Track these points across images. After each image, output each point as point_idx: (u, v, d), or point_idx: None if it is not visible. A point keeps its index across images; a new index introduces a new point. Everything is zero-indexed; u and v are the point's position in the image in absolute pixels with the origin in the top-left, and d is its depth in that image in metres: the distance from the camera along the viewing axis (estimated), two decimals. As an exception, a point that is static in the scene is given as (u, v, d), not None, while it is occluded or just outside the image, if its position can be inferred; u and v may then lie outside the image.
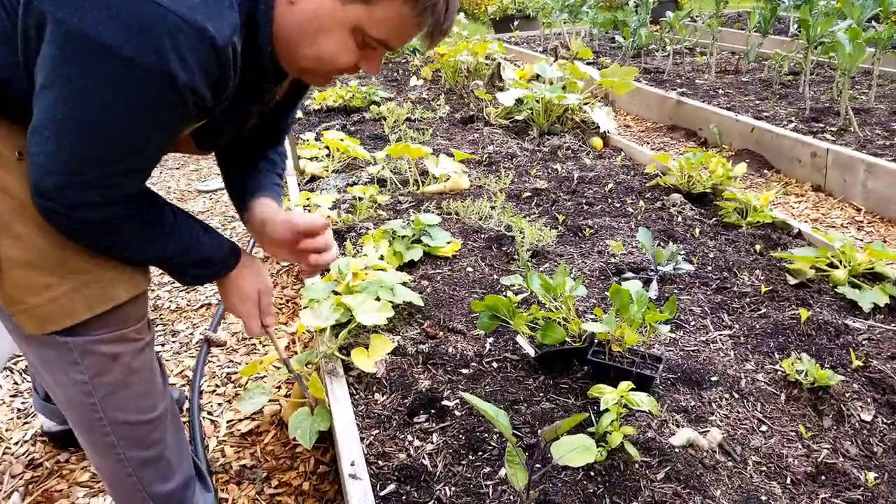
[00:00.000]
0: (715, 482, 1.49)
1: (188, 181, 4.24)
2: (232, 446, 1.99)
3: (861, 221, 3.32)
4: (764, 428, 1.70)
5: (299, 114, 4.83)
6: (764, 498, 1.46)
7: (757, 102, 4.81)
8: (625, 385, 1.53)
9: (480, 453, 1.60)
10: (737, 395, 1.80)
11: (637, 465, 1.52)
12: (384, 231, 2.61)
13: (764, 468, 1.57)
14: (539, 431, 1.64)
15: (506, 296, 2.30)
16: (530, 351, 1.87)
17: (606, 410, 1.52)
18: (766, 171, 3.99)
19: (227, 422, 2.09)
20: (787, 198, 3.65)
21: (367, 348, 1.92)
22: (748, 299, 2.25)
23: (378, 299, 2.06)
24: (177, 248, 1.21)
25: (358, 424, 1.73)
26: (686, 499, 1.43)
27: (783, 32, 7.08)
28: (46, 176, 1.01)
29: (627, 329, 1.71)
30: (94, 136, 0.98)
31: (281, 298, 2.79)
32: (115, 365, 1.24)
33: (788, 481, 1.53)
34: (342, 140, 3.59)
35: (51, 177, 1.00)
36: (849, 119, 4.04)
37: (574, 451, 1.21)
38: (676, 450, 1.57)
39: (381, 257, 2.47)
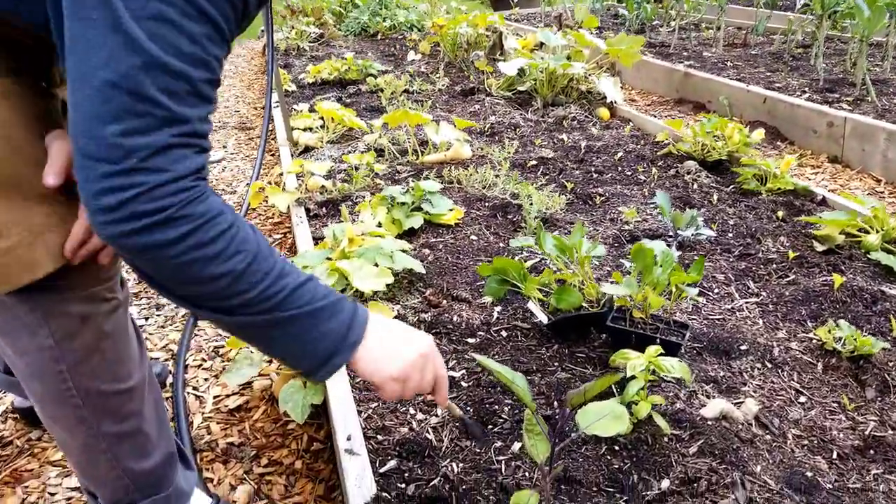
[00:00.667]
0: (754, 457, 1.34)
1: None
2: (218, 423, 1.83)
3: (882, 192, 3.16)
4: (802, 399, 1.54)
5: (293, 86, 4.65)
6: (809, 474, 1.31)
7: (768, 74, 4.64)
8: (653, 349, 1.37)
9: (491, 426, 1.45)
10: (770, 365, 1.64)
11: (666, 439, 1.37)
12: (382, 198, 2.45)
13: (806, 442, 1.41)
14: (555, 403, 1.48)
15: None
16: (543, 318, 1.71)
17: (633, 378, 1.36)
18: (779, 142, 3.83)
19: (214, 398, 1.93)
20: (802, 169, 3.48)
21: (364, 316, 1.75)
22: (774, 266, 2.09)
23: (377, 266, 1.90)
24: (284, 287, 0.91)
25: (355, 397, 1.57)
26: (723, 475, 1.28)
27: (790, 9, 6.90)
28: (95, 124, 0.77)
29: (651, 292, 1.55)
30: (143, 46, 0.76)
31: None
32: (85, 328, 1.08)
33: (834, 456, 1.38)
34: (338, 110, 3.41)
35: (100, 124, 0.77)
36: (866, 88, 3.88)
37: (603, 419, 1.06)
38: (709, 422, 1.41)
39: (379, 224, 2.30)
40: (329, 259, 1.95)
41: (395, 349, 0.99)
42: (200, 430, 1.80)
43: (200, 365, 2.08)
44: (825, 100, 3.95)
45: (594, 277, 1.98)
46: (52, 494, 1.62)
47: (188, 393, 1.95)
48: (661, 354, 1.39)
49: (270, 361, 2.02)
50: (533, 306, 1.72)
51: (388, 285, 2.03)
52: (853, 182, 3.29)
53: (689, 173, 2.82)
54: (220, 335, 2.21)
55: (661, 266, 1.58)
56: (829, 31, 5.37)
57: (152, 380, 1.28)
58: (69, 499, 1.60)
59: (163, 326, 2.29)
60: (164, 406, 1.34)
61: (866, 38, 3.78)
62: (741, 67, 4.89)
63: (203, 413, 1.87)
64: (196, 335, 2.22)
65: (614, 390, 1.50)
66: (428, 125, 3.01)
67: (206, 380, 2.01)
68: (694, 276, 1.53)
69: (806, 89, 4.19)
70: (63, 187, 0.98)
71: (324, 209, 2.66)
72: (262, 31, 5.11)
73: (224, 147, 4.06)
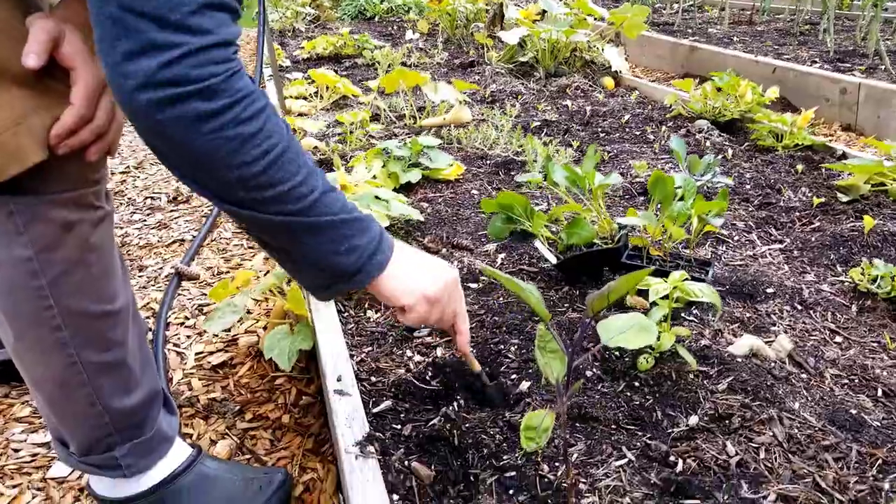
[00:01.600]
0: (790, 394, 1.20)
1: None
2: (200, 379, 1.69)
3: (900, 157, 3.02)
4: (839, 339, 1.40)
5: (287, 62, 4.52)
6: (854, 411, 1.17)
7: (776, 48, 4.51)
8: (678, 274, 1.23)
9: (496, 366, 1.31)
10: (800, 307, 1.51)
11: (692, 375, 1.23)
12: (377, 151, 2.31)
13: (846, 381, 1.27)
14: (568, 343, 1.34)
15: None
16: (551, 258, 1.57)
17: (654, 305, 1.22)
18: (790, 112, 3.69)
19: (196, 354, 1.79)
20: (814, 138, 3.34)
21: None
22: (797, 213, 1.96)
23: (371, 210, 1.76)
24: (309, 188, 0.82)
25: (347, 343, 1.43)
26: (757, 411, 1.14)
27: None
28: None
29: (671, 224, 1.42)
30: None
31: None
32: (69, 237, 0.95)
33: (879, 393, 1.24)
34: (332, 76, 3.28)
35: None
36: (879, 55, 3.74)
37: (628, 331, 0.92)
38: (738, 359, 1.27)
39: (374, 178, 2.16)
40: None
41: (427, 269, 0.98)
42: (181, 386, 1.66)
43: (183, 323, 1.94)
44: (837, 70, 3.82)
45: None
46: (17, 451, 1.48)
47: (168, 350, 1.81)
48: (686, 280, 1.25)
49: (257, 320, 1.89)
50: (540, 245, 1.57)
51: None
52: (868, 150, 3.15)
53: (700, 132, 2.68)
54: (206, 295, 2.06)
55: (682, 198, 1.44)
56: (837, 11, 5.25)
57: (136, 312, 1.15)
58: (34, 455, 1.46)
59: (144, 287, 2.15)
60: (147, 342, 1.20)
61: (880, 3, 3.64)
62: (748, 42, 4.76)
63: (184, 370, 1.73)
64: (179, 295, 2.08)
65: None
66: (426, 84, 2.87)
67: (188, 337, 1.87)
68: (721, 203, 1.39)
69: (816, 60, 4.06)
70: (46, 72, 0.87)
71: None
72: (258, 13, 5.01)
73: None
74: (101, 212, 1.01)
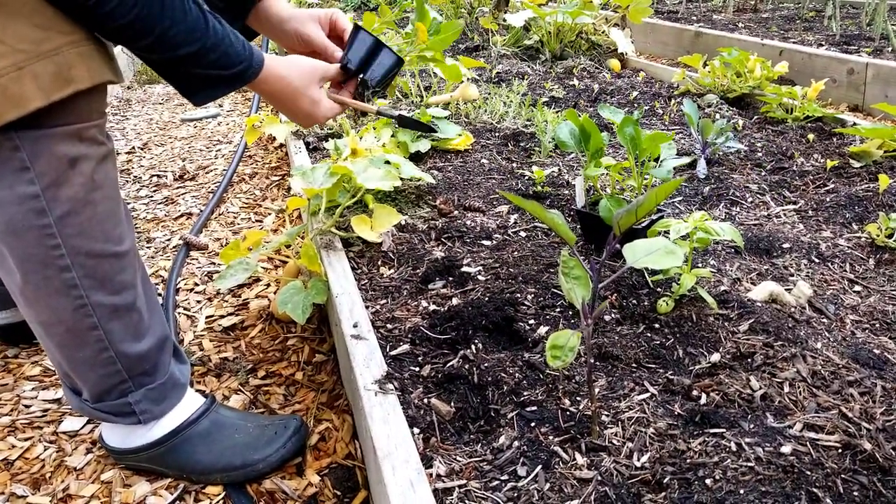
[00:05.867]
0: (812, 335, 1.18)
1: (172, 114, 3.91)
2: (211, 341, 1.68)
3: (909, 134, 3.01)
4: (858, 288, 1.39)
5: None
6: (877, 351, 1.15)
7: (781, 33, 4.50)
8: (699, 214, 1.22)
9: (513, 312, 1.29)
10: (817, 260, 1.49)
11: (712, 318, 1.21)
12: (386, 121, 2.29)
13: (867, 325, 1.26)
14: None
15: (531, 179, 2.00)
16: (581, 201, 1.54)
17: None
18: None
19: (207, 317, 1.78)
20: (824, 110, 3.33)
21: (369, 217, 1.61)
22: (810, 177, 1.94)
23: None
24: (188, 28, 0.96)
25: (361, 296, 1.42)
26: (779, 351, 1.12)
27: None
28: None
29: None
30: None
31: (270, 210, 2.47)
32: (74, 174, 0.95)
33: (902, 336, 1.22)
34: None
35: None
36: (886, 38, 3.73)
37: (654, 253, 0.90)
38: (758, 304, 1.26)
39: (384, 146, 2.15)
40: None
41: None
42: (192, 347, 1.65)
43: (192, 289, 1.93)
44: (843, 52, 3.81)
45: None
46: (27, 406, 1.46)
47: (178, 313, 1.79)
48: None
49: (269, 285, 1.88)
50: (580, 184, 1.53)
51: (393, 198, 1.88)
52: (879, 124, 3.14)
53: (710, 105, 2.67)
54: (215, 263, 2.05)
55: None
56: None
57: (140, 258, 1.14)
58: (45, 410, 1.45)
59: (152, 257, 2.14)
60: (152, 285, 1.19)
61: (887, -17, 3.63)
62: (753, 28, 4.75)
63: (195, 332, 1.72)
64: (188, 263, 2.07)
65: (649, 280, 1.35)
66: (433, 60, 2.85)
67: (198, 302, 1.86)
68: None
69: (822, 43, 4.05)
70: (53, 22, 0.87)
71: (323, 143, 2.51)
72: None
73: (220, 105, 3.93)
74: (104, 148, 1.00)
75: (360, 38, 1.35)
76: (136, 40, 0.93)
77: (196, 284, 1.95)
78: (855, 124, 2.42)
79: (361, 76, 1.39)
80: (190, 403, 1.25)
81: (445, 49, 3.71)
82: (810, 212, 1.75)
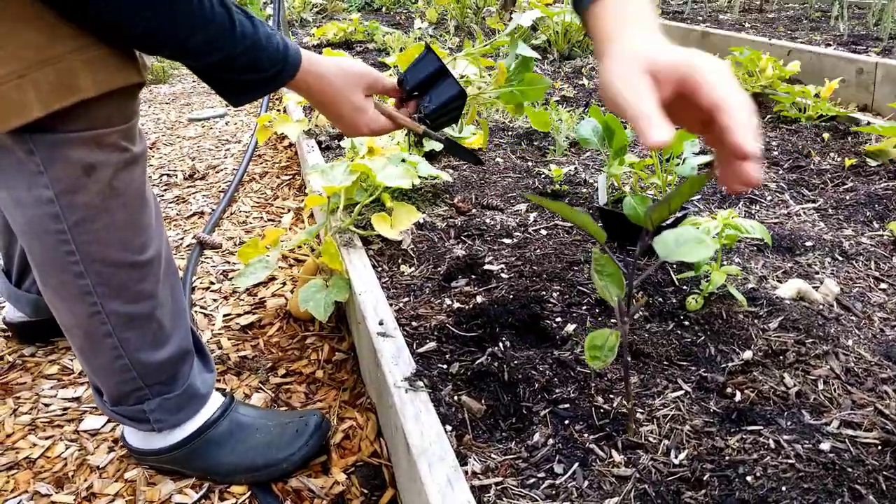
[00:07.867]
0: (843, 333, 1.17)
1: (179, 114, 3.90)
2: (230, 339, 1.67)
3: (920, 134, 3.00)
4: (883, 286, 1.38)
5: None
6: (908, 348, 1.15)
7: (788, 33, 4.50)
8: (727, 212, 1.21)
9: (539, 309, 1.28)
10: (840, 258, 1.49)
11: (742, 315, 1.21)
12: (401, 120, 2.28)
13: (895, 323, 1.25)
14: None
15: (548, 178, 1.99)
16: (603, 198, 1.53)
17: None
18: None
19: (224, 316, 1.77)
20: (838, 109, 3.32)
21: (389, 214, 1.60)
22: (828, 176, 1.94)
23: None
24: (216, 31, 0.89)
25: (384, 295, 1.41)
26: (811, 348, 1.12)
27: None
28: None
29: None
30: None
31: (283, 208, 2.46)
32: (89, 181, 0.92)
33: (932, 333, 1.22)
34: (344, 52, 3.26)
35: None
36: (894, 38, 3.73)
37: (685, 245, 0.89)
38: (786, 301, 1.25)
39: (398, 145, 2.14)
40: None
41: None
42: (210, 345, 1.64)
43: (208, 287, 1.92)
44: (852, 52, 3.81)
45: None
46: (47, 405, 1.45)
47: (195, 312, 1.79)
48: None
49: (285, 283, 1.87)
50: (603, 181, 1.52)
51: (410, 197, 1.88)
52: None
53: (722, 105, 2.66)
54: (230, 262, 2.04)
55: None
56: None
57: (170, 259, 1.11)
58: (65, 409, 1.44)
59: (167, 255, 2.13)
60: (182, 294, 1.17)
61: (896, -18, 3.63)
62: (760, 28, 4.75)
63: (213, 330, 1.71)
64: (202, 263, 2.06)
65: (673, 277, 1.34)
66: (444, 58, 2.85)
67: (214, 300, 1.85)
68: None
69: (830, 43, 4.04)
70: (55, 30, 0.83)
71: (335, 142, 2.51)
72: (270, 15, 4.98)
73: (227, 105, 3.92)
74: (128, 154, 0.95)
75: (427, 58, 1.23)
76: (154, 51, 0.89)
77: (212, 283, 1.94)
78: (869, 123, 2.41)
79: (418, 103, 1.25)
80: (209, 405, 1.23)
81: (452, 52, 3.70)
82: (830, 210, 1.74)
